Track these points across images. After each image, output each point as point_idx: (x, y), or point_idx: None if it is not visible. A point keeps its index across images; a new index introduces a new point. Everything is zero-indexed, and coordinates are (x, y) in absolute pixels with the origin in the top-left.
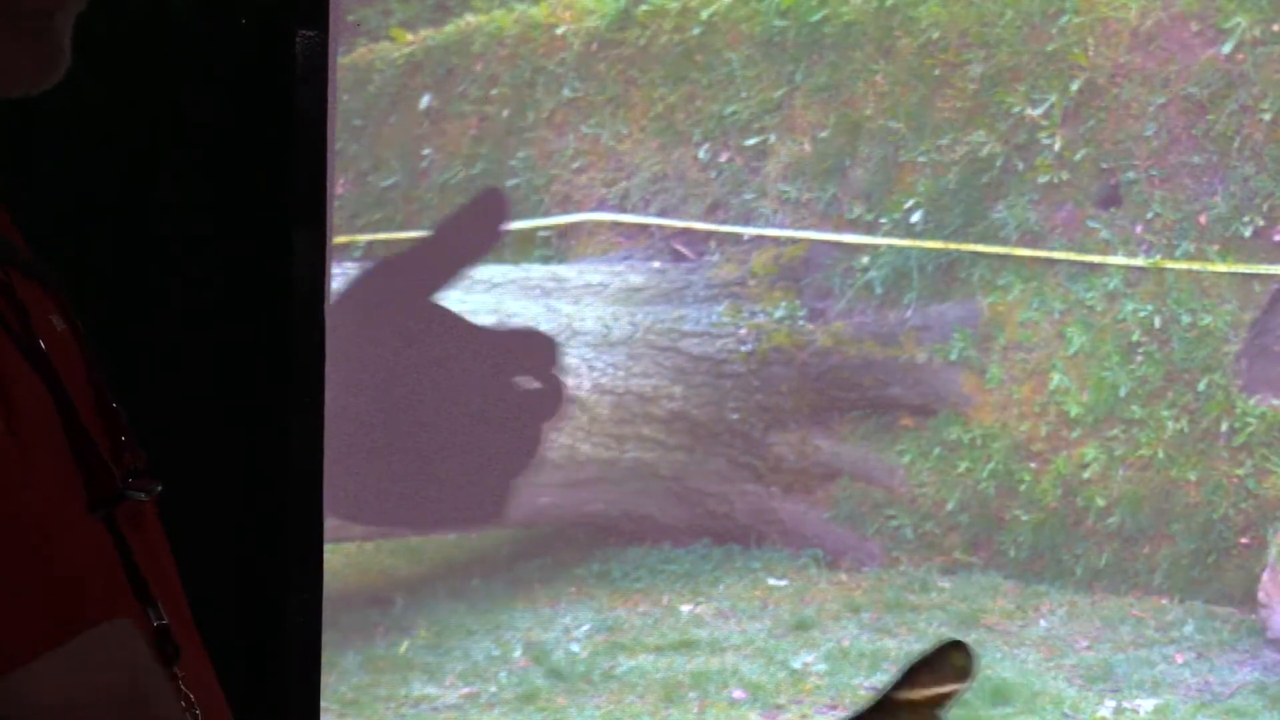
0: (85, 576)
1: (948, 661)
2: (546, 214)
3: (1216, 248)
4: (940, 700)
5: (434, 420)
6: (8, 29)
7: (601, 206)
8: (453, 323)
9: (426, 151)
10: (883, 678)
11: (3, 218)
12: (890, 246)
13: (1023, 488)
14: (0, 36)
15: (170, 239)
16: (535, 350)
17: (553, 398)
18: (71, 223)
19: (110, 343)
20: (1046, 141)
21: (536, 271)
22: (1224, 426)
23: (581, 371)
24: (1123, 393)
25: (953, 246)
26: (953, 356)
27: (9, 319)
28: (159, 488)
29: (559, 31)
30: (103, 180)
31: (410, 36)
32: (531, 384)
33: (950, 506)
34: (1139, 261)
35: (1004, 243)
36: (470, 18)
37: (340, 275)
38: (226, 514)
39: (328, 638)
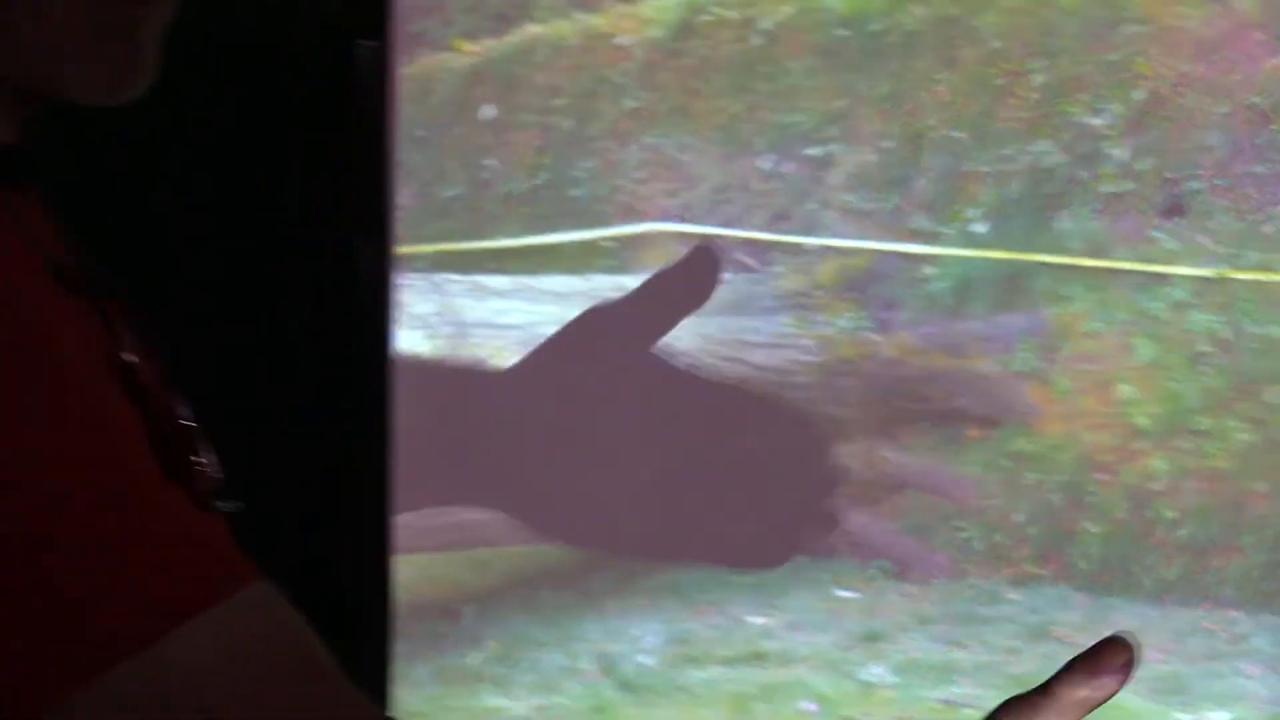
0: (222, 543)
1: (1107, 655)
2: (610, 225)
3: None
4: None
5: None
6: (89, 29)
7: (665, 217)
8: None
9: (489, 162)
10: (954, 689)
11: (79, 243)
12: (954, 257)
13: (1091, 499)
14: (78, 37)
15: (234, 251)
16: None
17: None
18: (137, 233)
19: (175, 354)
20: (1110, 151)
21: (601, 282)
22: None
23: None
24: (1190, 404)
25: (1017, 256)
26: (1018, 367)
27: (104, 341)
28: (241, 505)
29: (621, 42)
30: (166, 197)
31: (472, 47)
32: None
33: (1018, 518)
34: (1204, 271)
35: (1068, 253)
36: (532, 28)
37: (404, 286)
38: (293, 531)
39: (398, 649)
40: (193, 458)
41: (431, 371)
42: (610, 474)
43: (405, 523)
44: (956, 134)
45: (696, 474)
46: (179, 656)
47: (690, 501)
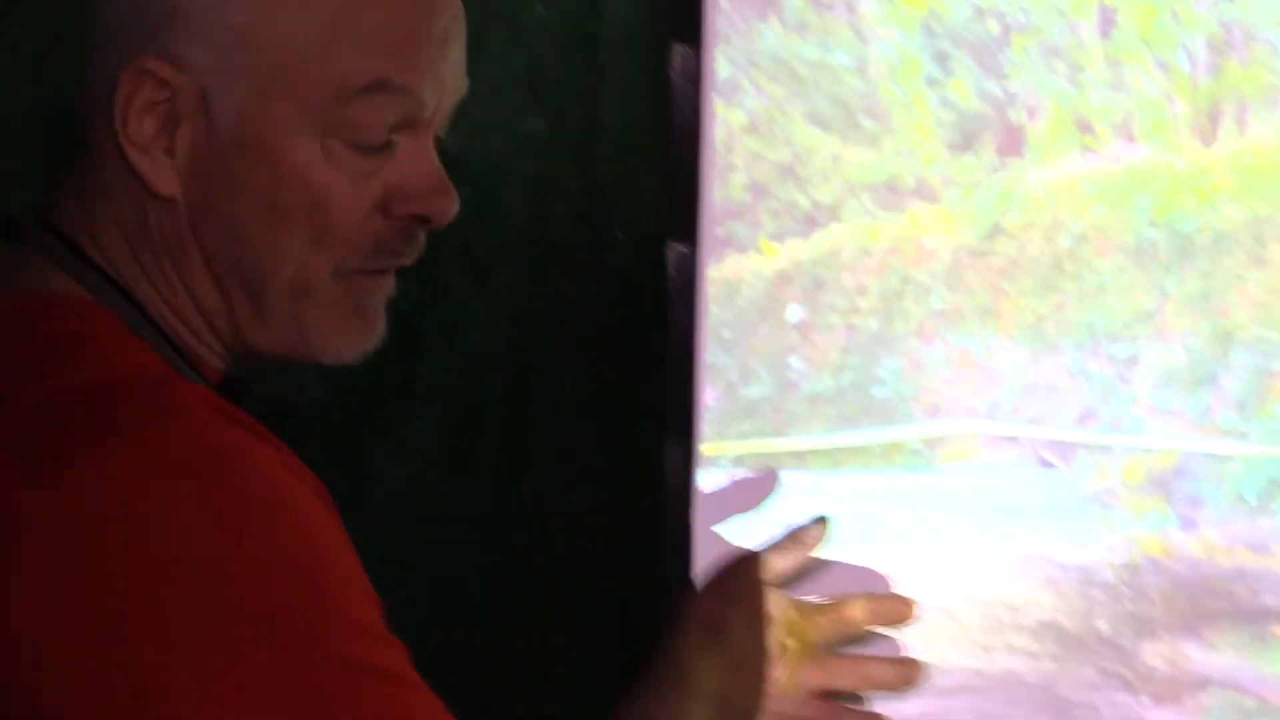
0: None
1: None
2: (914, 423)
3: None
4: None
5: None
6: (349, 307)
7: (970, 415)
8: None
9: (795, 362)
10: None
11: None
12: (1264, 455)
13: None
14: (343, 317)
15: (547, 448)
16: None
17: None
18: (451, 429)
19: (488, 545)
20: None
21: (905, 480)
22: None
23: (950, 580)
24: None
25: None
26: None
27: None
28: None
29: (928, 243)
30: (482, 392)
31: (779, 249)
32: None
33: None
34: None
35: None
36: (839, 229)
37: (707, 484)
38: None
39: None
40: None
41: None
42: None
43: None
44: (1267, 332)
45: None
46: None
47: None
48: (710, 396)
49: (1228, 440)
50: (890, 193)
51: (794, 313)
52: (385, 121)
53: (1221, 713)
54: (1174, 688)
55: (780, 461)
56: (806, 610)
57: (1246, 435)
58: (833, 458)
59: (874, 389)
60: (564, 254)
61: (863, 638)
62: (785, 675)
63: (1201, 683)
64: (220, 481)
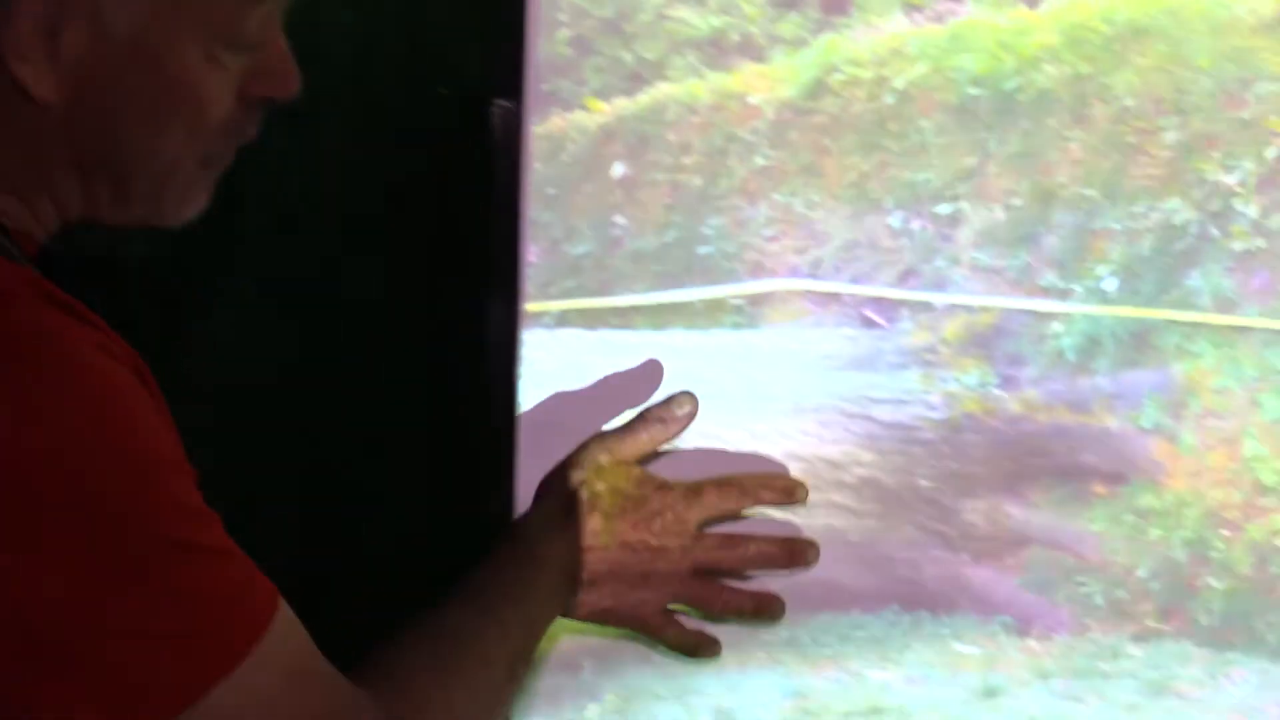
0: (252, 567)
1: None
2: (738, 281)
3: None
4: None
5: None
6: (196, 164)
7: (793, 273)
8: None
9: (619, 219)
10: None
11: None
12: (1083, 314)
13: (1216, 555)
14: (189, 177)
15: (367, 304)
16: None
17: None
18: (272, 285)
19: (307, 403)
20: (1242, 209)
21: (728, 338)
22: None
23: (772, 438)
24: None
25: (1146, 313)
26: (1145, 423)
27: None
28: None
29: (752, 100)
30: (303, 248)
31: (604, 106)
32: None
33: (1141, 573)
34: None
35: (1198, 309)
36: (664, 86)
37: (531, 342)
38: (415, 585)
39: (516, 702)
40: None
41: (556, 427)
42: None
43: None
44: (1087, 191)
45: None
46: (253, 683)
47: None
48: (534, 254)
49: (1048, 299)
50: (715, 49)
51: (618, 170)
52: (261, 19)
53: (1040, 570)
54: (993, 545)
55: (604, 319)
56: (676, 488)
57: (1067, 294)
58: (656, 316)
59: (698, 247)
60: (385, 109)
61: (736, 515)
62: (602, 529)
63: (1021, 540)
64: (38, 369)
